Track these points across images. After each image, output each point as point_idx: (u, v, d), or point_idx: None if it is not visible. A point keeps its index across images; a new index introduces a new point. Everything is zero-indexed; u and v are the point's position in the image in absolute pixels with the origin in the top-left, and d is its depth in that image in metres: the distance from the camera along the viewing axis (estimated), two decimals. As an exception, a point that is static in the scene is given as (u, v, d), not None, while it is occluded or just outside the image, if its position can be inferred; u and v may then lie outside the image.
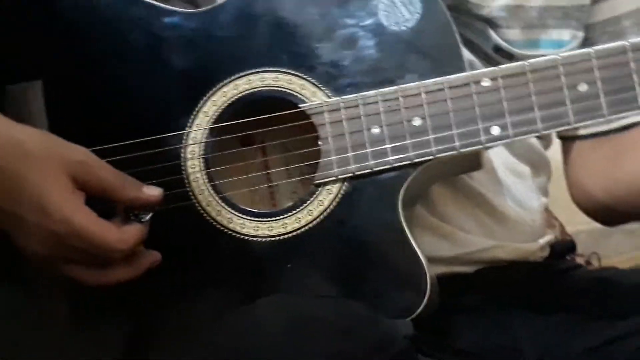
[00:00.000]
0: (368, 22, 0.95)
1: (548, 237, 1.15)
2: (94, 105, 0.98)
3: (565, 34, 1.08)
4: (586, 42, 1.10)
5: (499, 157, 1.09)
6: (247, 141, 1.01)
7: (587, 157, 1.12)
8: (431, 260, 0.95)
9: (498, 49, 1.05)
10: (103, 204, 0.88)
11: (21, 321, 0.93)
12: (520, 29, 1.06)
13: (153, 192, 0.90)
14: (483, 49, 1.06)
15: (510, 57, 1.05)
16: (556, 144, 1.15)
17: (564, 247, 1.19)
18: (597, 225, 1.15)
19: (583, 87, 0.90)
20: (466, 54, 1.05)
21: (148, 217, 0.90)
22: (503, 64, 1.03)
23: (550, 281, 1.09)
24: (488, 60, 1.06)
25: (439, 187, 1.04)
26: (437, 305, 0.94)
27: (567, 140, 1.14)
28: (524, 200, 1.11)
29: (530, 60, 0.91)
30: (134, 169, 0.93)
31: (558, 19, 1.07)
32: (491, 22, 1.05)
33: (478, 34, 1.06)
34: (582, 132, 1.10)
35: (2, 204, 0.84)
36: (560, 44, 1.08)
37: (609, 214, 1.11)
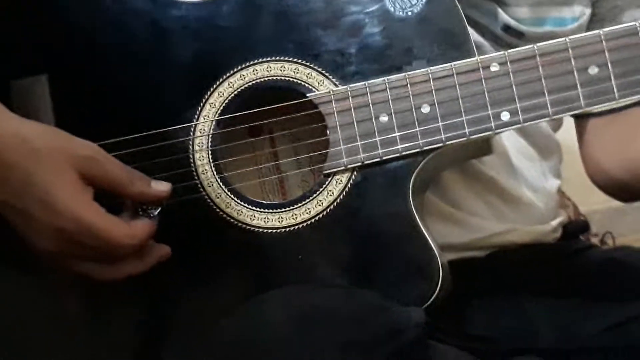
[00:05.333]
0: (374, 8, 0.94)
1: (561, 218, 1.14)
2: (99, 99, 0.98)
3: (573, 11, 1.07)
4: (593, 18, 1.08)
5: (509, 140, 1.08)
6: (255, 132, 1.00)
7: (602, 134, 1.11)
8: (443, 247, 0.95)
9: (507, 28, 1.04)
10: (111, 199, 0.88)
11: (31, 320, 0.93)
12: (528, 7, 1.05)
13: (161, 187, 0.90)
14: (491, 29, 1.05)
15: (520, 35, 1.04)
16: (567, 124, 1.14)
17: (577, 228, 1.18)
18: (611, 204, 1.14)
19: (593, 70, 0.89)
20: (474, 36, 1.03)
21: (157, 211, 0.90)
22: (512, 44, 1.03)
23: (563, 262, 1.09)
24: (496, 41, 1.05)
25: (449, 172, 1.03)
26: (450, 292, 0.94)
27: (580, 118, 1.13)
28: (536, 183, 1.10)
29: (540, 44, 0.89)
30: (142, 162, 0.93)
31: None
32: (499, 1, 1.04)
33: (486, 14, 1.04)
34: (595, 109, 1.09)
35: (11, 201, 0.84)
36: (567, 21, 1.06)
37: (626, 190, 1.10)
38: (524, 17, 1.05)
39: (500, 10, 1.04)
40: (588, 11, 1.08)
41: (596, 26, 1.08)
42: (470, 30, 1.02)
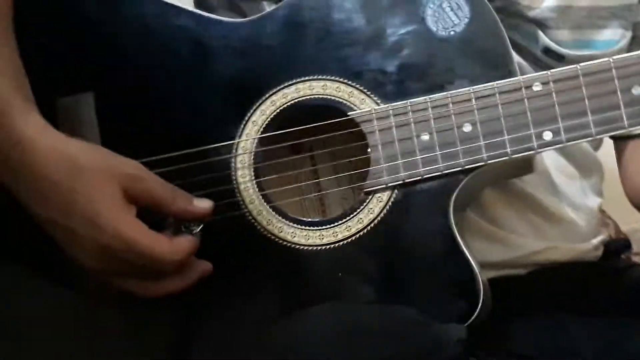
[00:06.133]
0: (416, 27, 0.94)
1: (602, 237, 1.13)
2: (143, 116, 0.99)
3: (613, 34, 1.06)
4: (634, 41, 1.08)
5: (549, 158, 1.07)
6: (296, 150, 1.00)
7: (637, 154, 1.10)
8: (484, 265, 0.95)
9: (547, 51, 1.04)
10: (154, 216, 0.89)
11: (62, 326, 0.94)
12: (569, 30, 1.05)
13: (203, 204, 0.91)
14: (531, 51, 1.05)
15: (560, 58, 1.04)
16: (607, 143, 1.13)
17: (618, 246, 1.17)
18: (653, 223, 1.13)
19: (637, 90, 0.88)
20: (514, 57, 1.03)
21: (199, 228, 0.90)
22: (552, 66, 1.02)
23: (605, 281, 1.08)
24: (536, 63, 1.05)
25: (489, 190, 1.03)
26: (490, 310, 0.94)
27: (619, 140, 1.12)
28: (577, 201, 1.10)
29: (582, 64, 0.89)
30: (184, 180, 0.94)
31: (606, 19, 1.05)
32: (540, 24, 1.04)
33: (526, 36, 1.04)
34: (635, 131, 1.08)
35: (56, 218, 0.85)
36: (608, 44, 1.06)
37: None
38: (565, 40, 1.05)
39: (540, 33, 1.04)
40: (629, 34, 1.07)
41: (636, 49, 1.07)
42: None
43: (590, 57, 1.03)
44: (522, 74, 0.92)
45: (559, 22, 1.04)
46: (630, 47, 1.07)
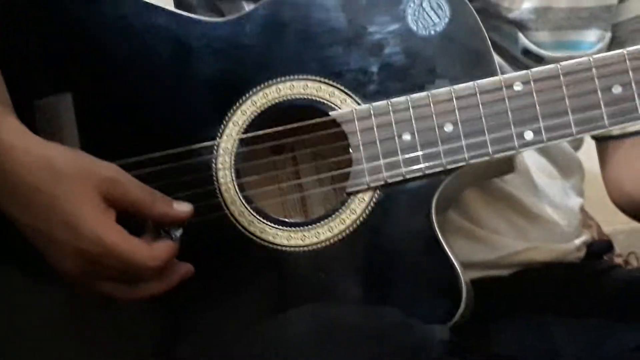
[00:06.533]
0: (396, 27, 0.94)
1: (584, 237, 1.13)
2: (122, 117, 0.98)
3: (593, 35, 1.07)
4: (614, 41, 1.08)
5: (530, 158, 1.07)
6: (277, 150, 1.00)
7: (623, 157, 1.11)
8: (466, 265, 0.95)
9: (527, 52, 1.04)
10: (133, 220, 0.88)
11: (48, 328, 0.93)
12: (548, 31, 1.05)
13: (183, 207, 0.90)
14: (511, 52, 1.05)
15: (539, 60, 1.04)
16: (588, 144, 1.14)
17: (600, 247, 1.17)
18: (635, 224, 1.13)
19: (617, 89, 0.88)
20: (494, 58, 1.03)
21: (179, 232, 0.90)
22: (531, 67, 1.02)
23: (587, 282, 1.08)
24: (516, 64, 1.05)
25: (471, 190, 1.03)
26: (472, 310, 0.93)
27: (601, 140, 1.12)
28: (557, 201, 1.10)
29: (563, 63, 0.89)
30: (165, 181, 0.94)
31: (585, 20, 1.06)
32: (520, 25, 1.04)
33: (506, 37, 1.04)
34: (615, 132, 1.09)
35: (34, 224, 0.85)
36: (588, 45, 1.06)
37: None
38: (544, 41, 1.05)
39: (520, 35, 1.04)
40: (608, 35, 1.08)
41: (617, 49, 1.08)
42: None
43: (569, 59, 1.03)
44: (501, 74, 0.92)
45: (539, 23, 1.04)
46: (610, 48, 1.07)
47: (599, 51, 1.06)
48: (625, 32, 1.09)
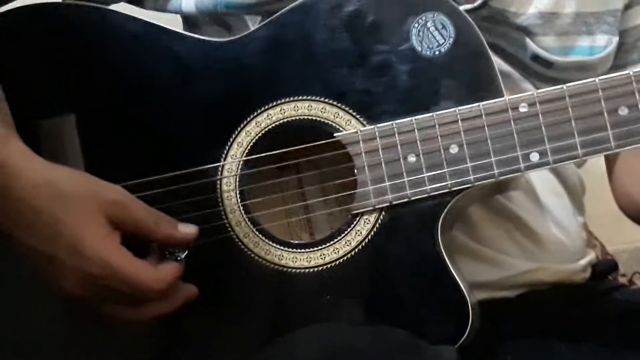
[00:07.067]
0: (401, 47, 0.93)
1: (589, 258, 1.13)
2: (127, 139, 0.98)
3: (599, 40, 1.06)
4: (621, 48, 1.08)
5: (537, 177, 1.07)
6: (282, 172, 1.00)
7: (631, 165, 1.10)
8: (472, 285, 0.95)
9: (536, 58, 1.03)
10: (138, 242, 0.88)
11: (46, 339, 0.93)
12: (555, 36, 1.04)
13: (188, 229, 0.90)
14: (520, 59, 1.05)
15: (549, 65, 1.03)
16: (591, 162, 1.13)
17: (605, 267, 1.17)
18: (638, 243, 1.13)
19: (624, 111, 0.88)
20: (502, 65, 1.03)
21: (184, 254, 0.89)
22: (541, 73, 1.02)
23: (592, 303, 1.08)
24: (525, 70, 1.05)
25: (477, 210, 1.03)
26: (478, 331, 0.93)
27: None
28: (563, 221, 1.10)
29: (569, 85, 0.89)
30: (170, 203, 0.93)
31: (592, 25, 1.05)
32: (527, 31, 1.03)
33: (514, 43, 1.04)
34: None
35: (38, 246, 0.84)
36: (595, 50, 1.06)
37: None
38: (552, 46, 1.04)
39: (528, 40, 1.04)
40: (615, 39, 1.07)
41: (623, 56, 1.08)
42: (499, 60, 1.02)
43: (579, 63, 1.03)
44: (510, 82, 0.92)
45: (545, 28, 1.03)
46: (617, 54, 1.07)
47: (607, 55, 1.06)
48: (632, 38, 1.08)
